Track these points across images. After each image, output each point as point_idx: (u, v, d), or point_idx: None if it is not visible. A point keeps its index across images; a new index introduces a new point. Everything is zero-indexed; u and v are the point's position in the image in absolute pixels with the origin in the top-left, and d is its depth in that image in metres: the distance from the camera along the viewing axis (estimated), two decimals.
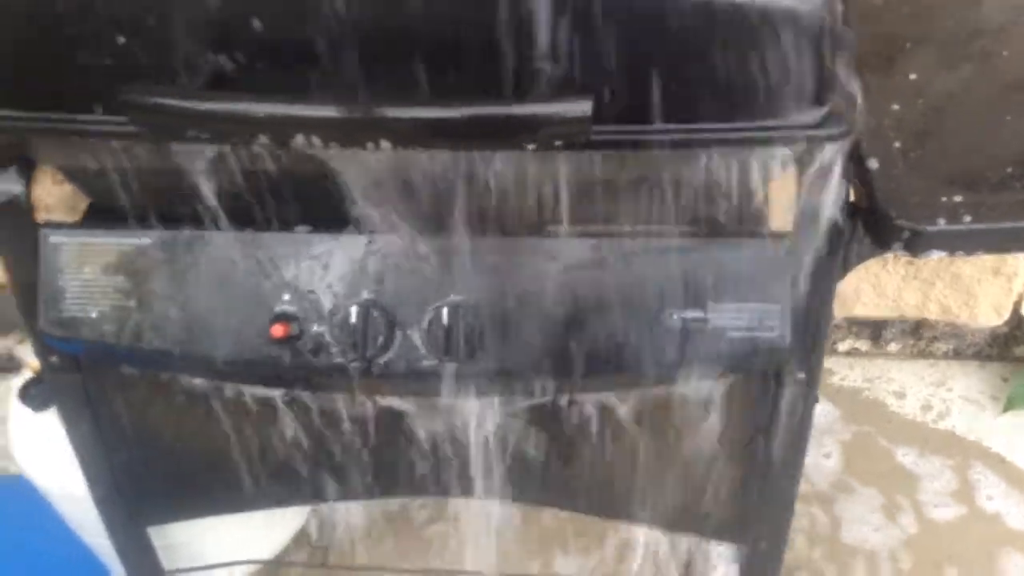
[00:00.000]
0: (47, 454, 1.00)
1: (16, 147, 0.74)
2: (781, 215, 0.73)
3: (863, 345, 1.65)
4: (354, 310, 0.72)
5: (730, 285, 0.73)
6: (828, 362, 1.63)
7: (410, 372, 0.73)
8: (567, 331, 0.73)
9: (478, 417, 0.81)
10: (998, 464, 1.49)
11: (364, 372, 0.72)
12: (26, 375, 0.97)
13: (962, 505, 1.44)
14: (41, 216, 0.76)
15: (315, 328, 0.73)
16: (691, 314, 0.73)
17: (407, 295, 0.73)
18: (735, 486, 0.88)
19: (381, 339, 0.72)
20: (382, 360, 0.73)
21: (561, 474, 0.86)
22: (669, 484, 0.88)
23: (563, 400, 0.80)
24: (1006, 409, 1.55)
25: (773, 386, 0.80)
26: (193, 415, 0.86)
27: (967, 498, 1.45)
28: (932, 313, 1.51)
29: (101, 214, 0.77)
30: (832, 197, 0.70)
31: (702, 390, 0.81)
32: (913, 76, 0.80)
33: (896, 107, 0.77)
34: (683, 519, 0.91)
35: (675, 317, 0.73)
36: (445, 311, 0.72)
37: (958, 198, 0.68)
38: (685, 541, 1.17)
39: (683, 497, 0.90)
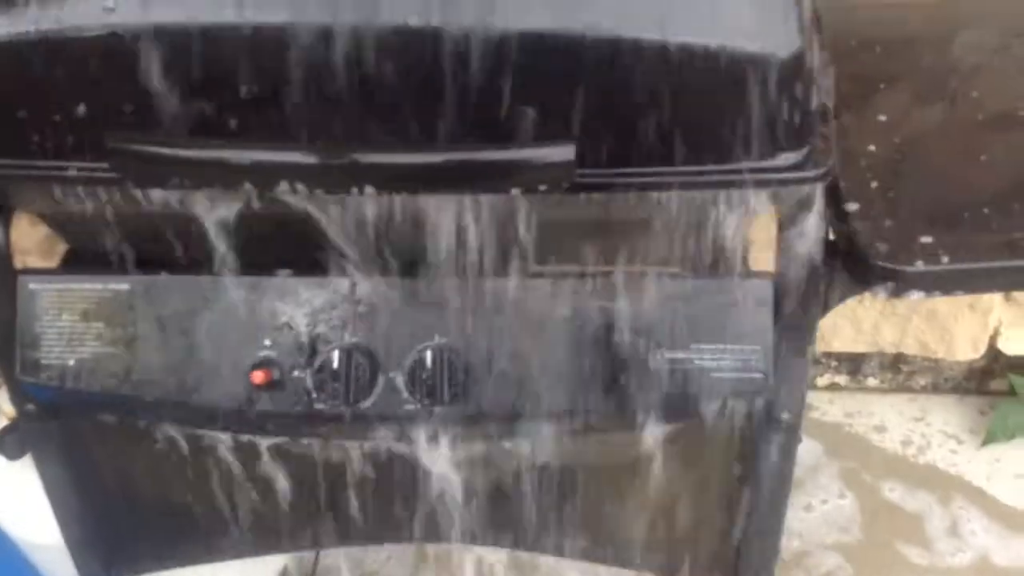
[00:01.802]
0: (20, 502, 0.98)
1: None
2: (763, 255, 0.74)
3: (842, 380, 1.66)
4: (336, 355, 0.71)
5: (713, 326, 0.73)
6: (808, 397, 1.63)
7: (393, 417, 0.72)
8: (552, 373, 0.73)
9: (461, 461, 0.80)
10: (979, 498, 1.50)
11: (346, 417, 0.72)
12: (1, 422, 0.96)
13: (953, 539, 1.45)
14: (18, 260, 0.75)
15: (296, 374, 0.72)
16: (676, 355, 0.73)
17: (390, 338, 0.73)
18: (721, 528, 0.87)
19: (363, 384, 0.71)
20: (364, 405, 0.72)
21: (547, 519, 0.85)
22: (654, 527, 0.88)
23: (549, 444, 0.80)
24: (985, 443, 1.56)
25: (757, 426, 0.80)
26: (170, 462, 0.84)
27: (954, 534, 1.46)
28: (910, 348, 1.52)
29: (80, 258, 0.76)
30: (812, 238, 0.71)
31: (686, 431, 0.80)
32: (888, 116, 0.81)
33: (872, 147, 0.78)
34: (670, 562, 0.90)
35: (660, 358, 0.73)
36: (429, 354, 0.72)
37: (936, 239, 0.69)
38: None
39: (669, 540, 0.89)
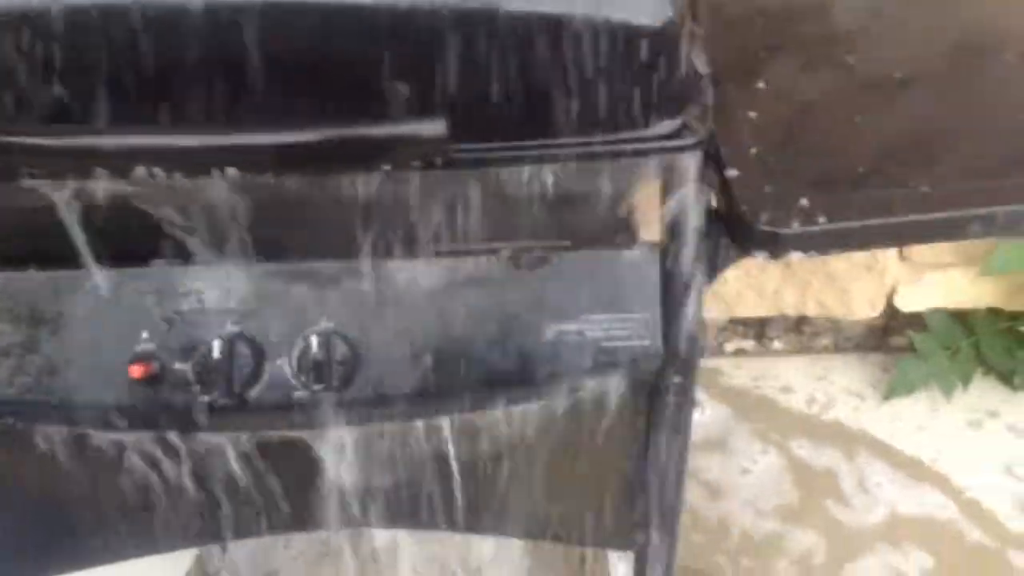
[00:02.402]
0: None
1: None
2: (648, 224, 0.74)
3: (748, 345, 1.69)
4: (217, 344, 0.70)
5: (602, 297, 0.74)
6: (716, 363, 1.66)
7: (281, 405, 0.71)
8: (442, 353, 0.72)
9: (356, 446, 0.79)
10: (883, 451, 1.55)
11: (232, 408, 0.70)
12: None
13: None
14: None
15: (177, 366, 0.70)
16: (565, 327, 0.73)
17: (274, 325, 0.71)
18: (620, 495, 0.88)
19: (248, 373, 0.70)
20: (250, 395, 0.70)
21: (441, 496, 0.85)
22: (551, 497, 0.88)
23: (439, 421, 0.79)
24: (886, 398, 1.61)
25: (651, 393, 0.81)
26: (53, 462, 0.81)
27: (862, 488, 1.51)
28: (811, 310, 1.56)
29: None
30: (694, 205, 0.71)
31: (580, 401, 0.81)
32: (768, 84, 0.82)
33: (753, 115, 0.78)
34: (569, 531, 0.91)
35: (550, 331, 0.73)
36: (315, 339, 0.71)
37: (814, 201, 0.70)
38: None
39: (566, 509, 0.90)
